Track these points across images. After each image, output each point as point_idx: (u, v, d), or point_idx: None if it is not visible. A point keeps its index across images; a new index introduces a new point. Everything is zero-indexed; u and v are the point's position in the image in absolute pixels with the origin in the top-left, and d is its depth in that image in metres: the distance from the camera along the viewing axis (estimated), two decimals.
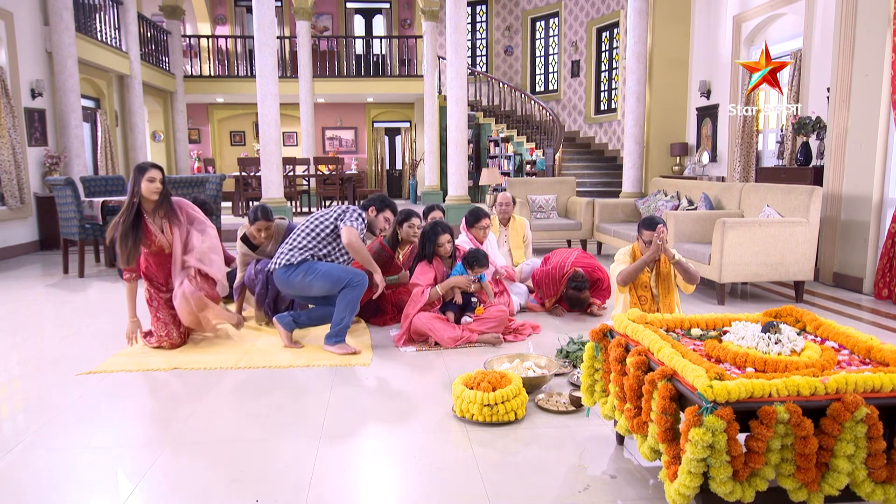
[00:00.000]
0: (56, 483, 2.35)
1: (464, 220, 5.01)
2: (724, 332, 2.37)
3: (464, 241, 4.91)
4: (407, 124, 17.36)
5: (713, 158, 9.01)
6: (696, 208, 6.58)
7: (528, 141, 13.22)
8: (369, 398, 3.21)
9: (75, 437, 2.75)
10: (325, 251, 3.93)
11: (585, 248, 7.51)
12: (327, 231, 3.95)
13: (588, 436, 2.72)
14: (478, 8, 15.42)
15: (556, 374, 3.41)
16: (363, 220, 3.98)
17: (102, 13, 10.59)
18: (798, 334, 2.44)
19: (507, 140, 13.68)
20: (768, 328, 2.20)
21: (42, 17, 8.53)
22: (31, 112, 8.24)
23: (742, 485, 1.82)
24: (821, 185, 5.99)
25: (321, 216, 4.02)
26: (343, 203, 4.33)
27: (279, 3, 16.14)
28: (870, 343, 2.19)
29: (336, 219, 3.97)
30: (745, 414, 1.83)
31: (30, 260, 7.64)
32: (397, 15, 16.62)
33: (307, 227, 4.00)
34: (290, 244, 3.96)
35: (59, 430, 2.83)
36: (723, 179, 8.61)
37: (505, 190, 8.56)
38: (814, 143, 6.60)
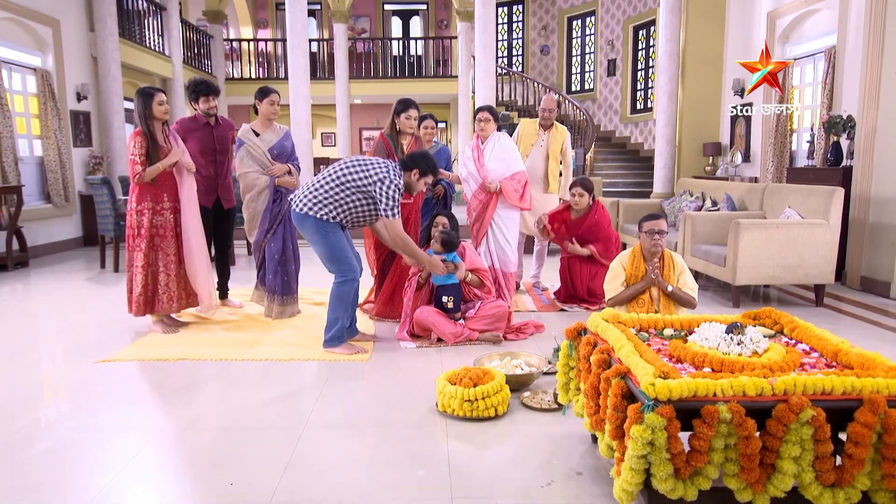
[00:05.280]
0: (53, 461, 2.52)
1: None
2: (692, 333, 2.37)
3: (468, 155, 4.99)
4: (443, 124, 17.46)
5: (746, 158, 8.81)
6: (719, 209, 6.46)
7: None
8: (360, 392, 3.30)
9: (80, 420, 2.93)
10: (348, 207, 3.72)
11: None
12: (359, 192, 3.70)
13: (565, 433, 2.74)
14: (514, 7, 15.40)
15: (547, 373, 3.43)
16: (400, 191, 3.72)
17: (146, 19, 11.04)
18: (773, 336, 2.43)
19: None
20: (731, 329, 2.19)
21: (87, 23, 8.95)
22: (77, 114, 8.67)
23: (684, 483, 1.83)
24: (850, 186, 5.82)
25: (358, 170, 3.70)
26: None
27: (318, 7, 16.49)
28: (839, 346, 2.16)
29: (371, 184, 3.66)
30: (691, 413, 1.84)
31: (73, 255, 8.03)
32: (434, 16, 16.75)
33: (337, 174, 3.73)
34: (319, 186, 3.73)
35: (68, 412, 3.03)
36: (756, 180, 8.40)
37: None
38: (845, 142, 6.39)
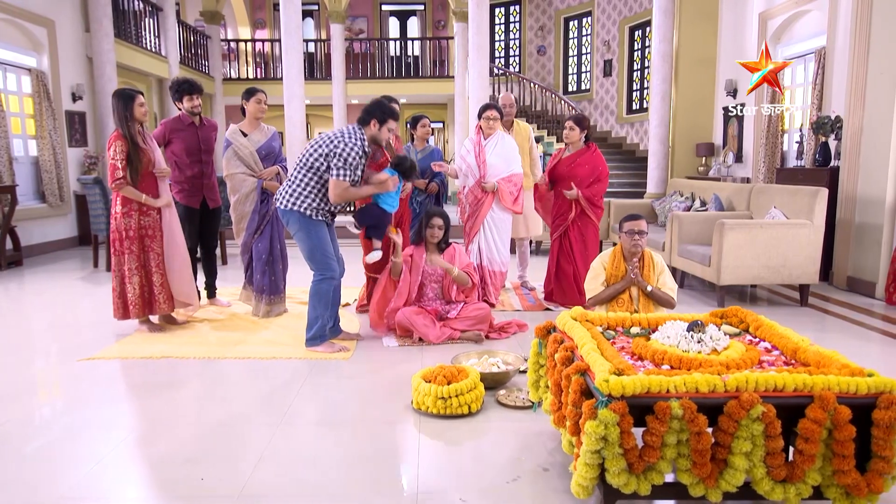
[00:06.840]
0: (31, 456, 2.56)
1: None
2: (655, 331, 2.40)
3: (467, 148, 5.03)
4: (440, 125, 17.50)
5: (738, 159, 8.83)
6: (707, 209, 6.48)
7: (557, 141, 13.17)
8: (339, 390, 3.34)
9: (60, 416, 2.98)
10: (322, 190, 3.73)
11: (601, 249, 7.47)
12: (320, 168, 3.70)
13: (536, 430, 2.78)
14: (511, 8, 15.43)
15: (524, 371, 3.46)
16: (359, 154, 3.67)
17: (143, 20, 11.08)
18: (738, 334, 2.46)
19: (538, 140, 13.67)
20: (692, 327, 2.22)
21: (83, 24, 9.00)
22: (72, 115, 8.72)
23: (638, 478, 1.86)
24: (837, 187, 5.84)
25: (318, 145, 3.70)
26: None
27: (315, 7, 16.54)
28: (798, 344, 2.19)
29: (331, 151, 3.64)
30: (645, 409, 1.87)
31: (68, 254, 8.08)
32: (431, 16, 16.78)
33: (304, 158, 3.74)
34: (294, 178, 3.77)
35: (50, 409, 3.08)
36: (748, 180, 8.42)
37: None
38: (833, 143, 6.42)
